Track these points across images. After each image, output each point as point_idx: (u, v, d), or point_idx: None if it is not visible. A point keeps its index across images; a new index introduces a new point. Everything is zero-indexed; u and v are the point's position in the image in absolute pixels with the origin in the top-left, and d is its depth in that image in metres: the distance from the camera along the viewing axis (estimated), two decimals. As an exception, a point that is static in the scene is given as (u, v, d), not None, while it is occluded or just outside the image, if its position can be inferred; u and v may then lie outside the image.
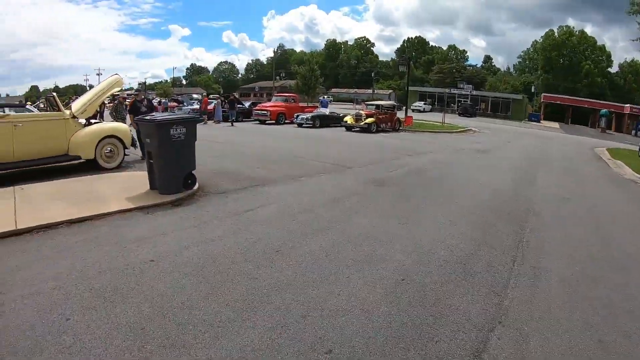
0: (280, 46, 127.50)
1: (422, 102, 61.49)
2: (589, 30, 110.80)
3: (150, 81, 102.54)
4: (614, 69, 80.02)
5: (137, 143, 10.61)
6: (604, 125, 52.33)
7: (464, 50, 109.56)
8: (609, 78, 76.58)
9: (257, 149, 14.34)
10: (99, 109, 19.52)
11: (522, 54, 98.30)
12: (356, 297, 3.89)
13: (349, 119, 24.13)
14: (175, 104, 40.07)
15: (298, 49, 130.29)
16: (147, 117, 7.56)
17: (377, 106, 25.38)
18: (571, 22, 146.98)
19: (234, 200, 7.31)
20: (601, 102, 59.06)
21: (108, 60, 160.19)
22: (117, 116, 12.44)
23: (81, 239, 5.17)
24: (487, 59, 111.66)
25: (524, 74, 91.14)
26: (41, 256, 4.65)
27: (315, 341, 3.19)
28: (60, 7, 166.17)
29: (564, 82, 72.08)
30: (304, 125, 24.94)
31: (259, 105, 29.48)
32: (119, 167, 9.88)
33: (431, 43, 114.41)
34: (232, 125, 24.56)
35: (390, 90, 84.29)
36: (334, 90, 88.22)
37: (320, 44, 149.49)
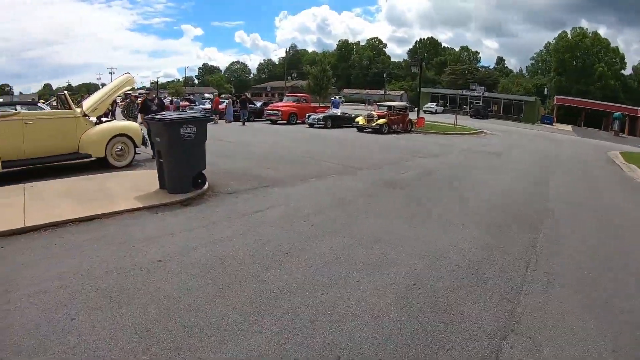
0: (292, 46, 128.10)
1: (434, 104, 61.18)
2: (602, 31, 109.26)
3: (162, 80, 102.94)
4: (627, 71, 79.26)
5: (148, 142, 10.62)
6: (617, 128, 51.46)
7: (476, 52, 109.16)
8: (622, 80, 75.64)
9: (268, 149, 14.32)
10: (110, 108, 19.65)
11: (534, 55, 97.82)
12: (366, 302, 3.81)
13: (360, 120, 24.01)
14: (187, 103, 40.30)
15: (310, 50, 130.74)
16: (157, 116, 7.55)
17: (389, 107, 25.25)
18: (584, 24, 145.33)
19: (243, 201, 7.26)
20: (614, 104, 58.19)
21: (121, 59, 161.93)
22: (129, 115, 12.50)
23: (89, 238, 5.15)
24: (500, 60, 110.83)
25: (536, 76, 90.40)
26: (48, 254, 4.64)
27: (324, 347, 3.12)
28: (74, 6, 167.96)
29: (576, 84, 71.21)
30: (315, 125, 24.88)
31: (270, 105, 29.60)
32: (130, 166, 9.91)
33: (443, 44, 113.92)
34: (244, 124, 24.63)
35: (402, 92, 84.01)
36: (345, 90, 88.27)
37: (332, 44, 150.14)
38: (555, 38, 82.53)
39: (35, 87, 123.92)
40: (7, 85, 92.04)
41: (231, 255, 4.78)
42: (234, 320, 3.41)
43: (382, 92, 76.97)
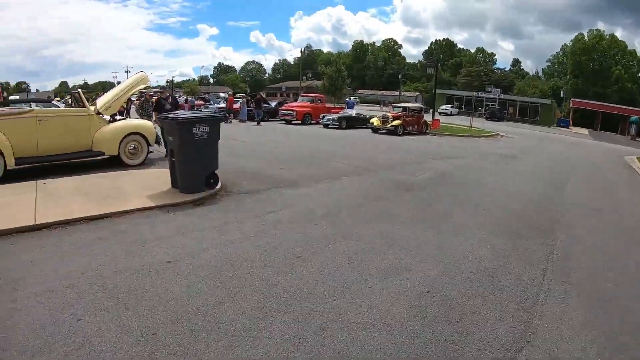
0: (308, 47, 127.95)
1: (449, 105, 60.68)
2: (619, 33, 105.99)
3: (177, 79, 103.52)
4: (644, 74, 77.39)
5: (162, 140, 10.61)
6: (634, 132, 50.47)
7: (492, 53, 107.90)
8: (639, 84, 74.24)
9: (282, 149, 14.25)
10: (125, 106, 19.84)
11: (551, 57, 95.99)
12: (379, 310, 3.70)
13: (375, 121, 23.81)
14: (202, 102, 40.48)
15: (325, 50, 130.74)
16: (170, 115, 7.51)
17: (404, 108, 25.01)
18: (601, 26, 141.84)
19: (256, 202, 7.19)
20: (631, 108, 57.17)
21: (137, 58, 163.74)
22: (143, 113, 12.55)
23: (99, 236, 5.12)
24: (516, 62, 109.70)
25: (552, 78, 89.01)
26: (58, 252, 4.61)
27: (334, 356, 3.02)
28: (90, 5, 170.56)
29: (593, 87, 70.03)
30: (330, 126, 24.77)
31: (285, 105, 29.59)
32: (143, 164, 9.92)
33: (459, 45, 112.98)
34: (259, 124, 24.65)
35: (417, 93, 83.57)
36: (360, 91, 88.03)
37: (347, 44, 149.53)
38: (572, 40, 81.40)
39: (51, 85, 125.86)
40: (24, 83, 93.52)
41: (242, 257, 4.71)
42: (242, 326, 3.33)
43: (397, 93, 76.68)
